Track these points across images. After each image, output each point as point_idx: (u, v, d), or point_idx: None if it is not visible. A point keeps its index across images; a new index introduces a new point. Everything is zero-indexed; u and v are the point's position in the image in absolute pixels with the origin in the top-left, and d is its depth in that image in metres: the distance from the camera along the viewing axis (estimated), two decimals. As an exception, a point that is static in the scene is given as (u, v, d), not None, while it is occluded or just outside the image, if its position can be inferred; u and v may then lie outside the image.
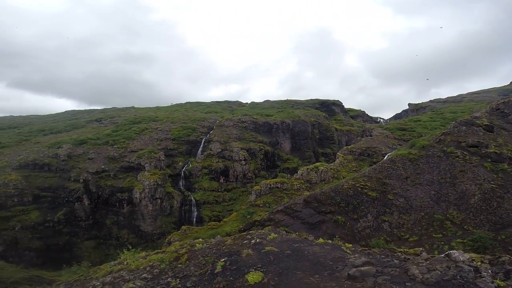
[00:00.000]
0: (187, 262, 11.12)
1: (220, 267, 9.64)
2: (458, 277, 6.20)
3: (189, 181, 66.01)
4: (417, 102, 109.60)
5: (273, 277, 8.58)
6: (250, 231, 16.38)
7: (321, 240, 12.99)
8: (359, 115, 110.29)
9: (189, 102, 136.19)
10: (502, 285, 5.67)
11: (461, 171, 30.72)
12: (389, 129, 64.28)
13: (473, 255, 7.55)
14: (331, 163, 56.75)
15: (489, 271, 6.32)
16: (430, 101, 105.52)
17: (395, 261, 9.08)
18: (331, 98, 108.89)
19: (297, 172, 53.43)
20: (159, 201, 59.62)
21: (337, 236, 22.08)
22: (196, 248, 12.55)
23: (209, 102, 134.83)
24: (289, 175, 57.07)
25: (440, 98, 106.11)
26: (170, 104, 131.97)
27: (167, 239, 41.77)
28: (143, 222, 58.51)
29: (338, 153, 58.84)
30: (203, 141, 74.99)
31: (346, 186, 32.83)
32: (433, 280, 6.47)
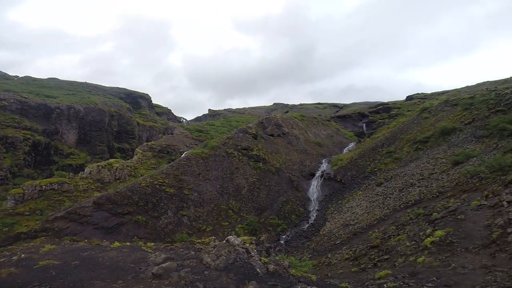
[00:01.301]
0: None
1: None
2: (238, 259, 8.43)
3: None
4: (215, 109, 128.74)
5: (63, 294, 7.40)
6: (10, 247, 12.75)
7: (117, 243, 12.54)
8: (165, 112, 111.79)
9: None
10: (266, 261, 8.39)
11: (236, 168, 39.48)
12: (189, 129, 70.61)
13: (245, 237, 10.42)
14: (128, 159, 53.64)
15: (255, 250, 9.09)
16: (224, 109, 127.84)
17: (192, 252, 10.58)
18: (141, 91, 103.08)
19: (83, 170, 45.75)
20: None
21: (135, 237, 21.50)
22: None
23: None
24: (72, 173, 47.26)
25: (231, 108, 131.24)
26: None
27: None
28: None
29: (137, 149, 56.71)
30: None
31: (144, 184, 32.64)
32: (222, 265, 8.35)
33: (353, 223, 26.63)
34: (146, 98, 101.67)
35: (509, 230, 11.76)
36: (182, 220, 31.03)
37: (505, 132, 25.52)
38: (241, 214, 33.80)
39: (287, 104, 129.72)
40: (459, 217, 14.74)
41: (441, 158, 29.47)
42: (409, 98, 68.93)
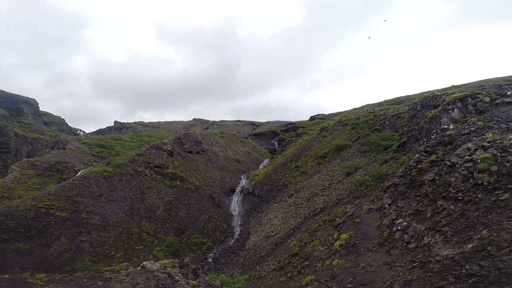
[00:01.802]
0: None
1: None
2: (160, 286, 7.51)
3: None
4: (122, 121, 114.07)
5: None
6: None
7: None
8: (56, 122, 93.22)
9: None
10: (195, 283, 7.68)
11: (148, 187, 36.20)
12: (87, 143, 60.73)
13: (166, 261, 9.39)
14: (0, 178, 42.61)
15: (180, 274, 8.29)
16: (135, 122, 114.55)
17: (99, 282, 8.93)
18: (25, 95, 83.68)
19: None
20: None
21: (17, 268, 16.77)
22: None
23: None
24: None
25: (143, 122, 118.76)
26: None
27: None
28: None
29: (12, 166, 45.54)
30: None
31: (23, 208, 26.91)
32: (142, 293, 7.27)
33: (273, 234, 27.90)
34: (31, 103, 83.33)
35: (394, 229, 14.32)
36: (82, 247, 26.23)
37: (380, 148, 31.92)
38: (158, 235, 30.91)
39: (208, 120, 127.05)
40: (356, 220, 17.15)
41: (337, 170, 34.41)
42: (312, 118, 78.10)
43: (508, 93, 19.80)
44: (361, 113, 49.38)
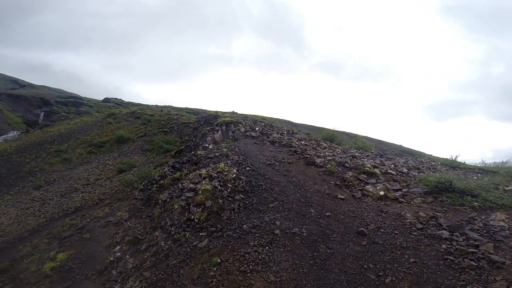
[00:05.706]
0: None
1: None
2: None
3: None
4: None
5: None
6: None
7: None
8: None
9: None
10: None
11: None
12: None
13: None
14: None
15: None
16: None
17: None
18: None
19: None
20: None
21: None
22: None
23: None
24: None
25: None
26: None
27: None
28: None
29: None
30: None
31: None
32: None
33: (-5, 235, 19.57)
34: None
35: (112, 257, 11.27)
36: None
37: (161, 150, 31.95)
38: None
39: None
40: (85, 235, 13.99)
41: (110, 165, 30.83)
42: (107, 100, 68.42)
43: (256, 128, 23.53)
44: (158, 112, 48.36)
